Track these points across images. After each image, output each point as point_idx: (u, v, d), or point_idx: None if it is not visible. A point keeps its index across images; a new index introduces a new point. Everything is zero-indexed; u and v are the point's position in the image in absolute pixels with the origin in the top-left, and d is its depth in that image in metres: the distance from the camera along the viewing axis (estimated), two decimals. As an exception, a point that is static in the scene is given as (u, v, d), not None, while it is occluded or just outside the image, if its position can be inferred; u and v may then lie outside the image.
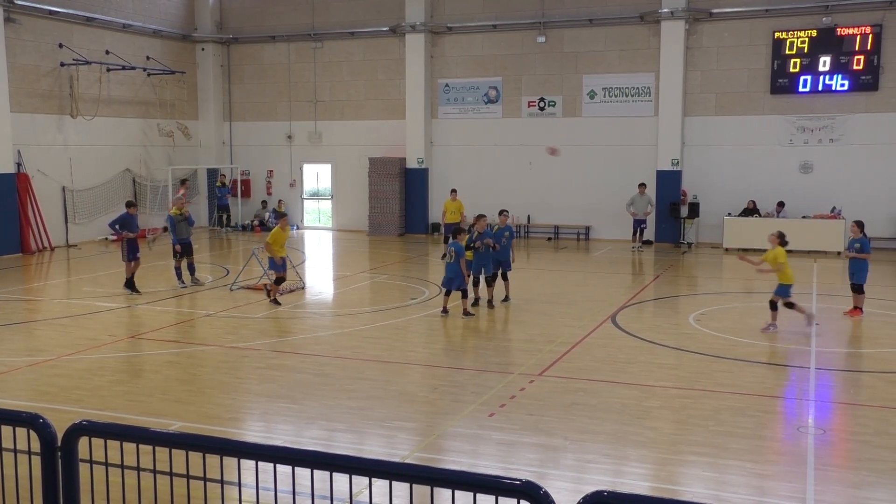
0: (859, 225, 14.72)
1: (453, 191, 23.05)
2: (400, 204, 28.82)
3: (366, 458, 3.30)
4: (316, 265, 22.56)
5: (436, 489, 3.40)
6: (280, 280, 15.79)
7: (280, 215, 16.44)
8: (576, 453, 8.00)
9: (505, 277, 15.73)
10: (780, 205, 24.26)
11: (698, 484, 7.37)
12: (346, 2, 29.53)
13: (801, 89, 24.64)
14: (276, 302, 15.42)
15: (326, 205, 30.95)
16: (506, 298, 15.66)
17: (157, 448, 3.89)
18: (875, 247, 24.10)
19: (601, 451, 8.03)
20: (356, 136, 29.56)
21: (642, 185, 25.10)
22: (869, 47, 23.82)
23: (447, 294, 14.55)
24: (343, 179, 30.22)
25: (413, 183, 28.92)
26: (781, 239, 13.45)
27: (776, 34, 24.70)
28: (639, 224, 24.83)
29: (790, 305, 13.28)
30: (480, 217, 15.59)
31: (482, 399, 9.61)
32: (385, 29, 28.83)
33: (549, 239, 27.52)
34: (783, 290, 13.25)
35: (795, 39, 24.52)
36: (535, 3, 27.15)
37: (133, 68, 27.17)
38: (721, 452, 7.95)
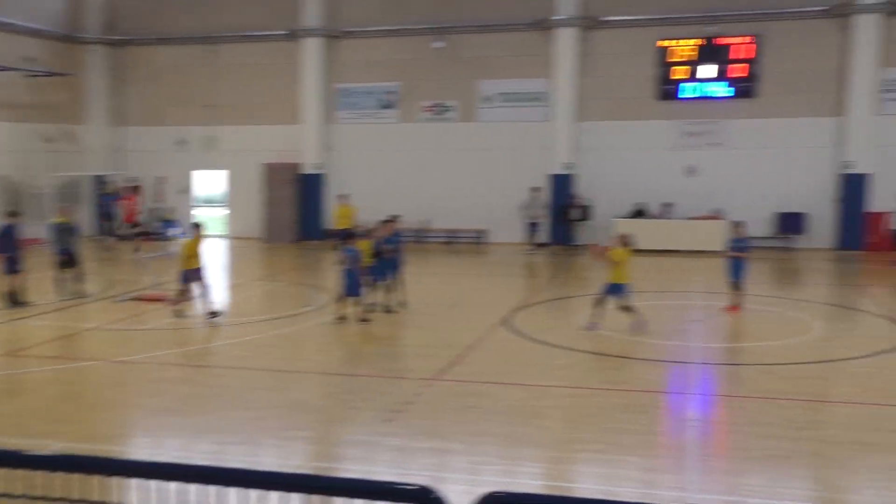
0: (740, 225, 15.40)
1: (344, 196, 22.87)
2: (296, 210, 28.51)
3: (258, 470, 3.27)
4: (208, 274, 22.05)
5: (330, 498, 3.40)
6: (185, 293, 14.89)
7: (197, 225, 15.52)
8: (470, 456, 8.10)
9: (399, 283, 15.83)
10: (668, 206, 25.20)
11: (590, 480, 7.58)
12: (242, 5, 29.04)
13: (686, 95, 25.64)
14: (180, 314, 14.68)
15: (221, 212, 30.34)
16: (401, 303, 15.76)
17: (35, 472, 3.75)
18: (754, 246, 25.27)
19: (495, 453, 8.16)
20: (252, 142, 29.08)
21: (536, 189, 25.60)
22: (747, 56, 25.00)
23: (343, 300, 14.48)
24: (238, 185, 29.66)
25: (310, 188, 28.67)
26: (623, 240, 13.70)
27: (663, 42, 25.62)
28: (533, 227, 25.32)
29: (626, 309, 13.38)
30: (385, 222, 15.71)
31: (378, 405, 9.61)
32: (282, 33, 28.50)
33: (446, 243, 27.72)
34: (612, 289, 13.40)
35: (680, 48, 25.51)
36: (432, 8, 27.34)
37: (12, 69, 25.96)
38: (611, 448, 8.18)
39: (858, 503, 7.04)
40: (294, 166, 28.49)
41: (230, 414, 9.44)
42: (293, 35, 28.35)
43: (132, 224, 25.24)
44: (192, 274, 14.66)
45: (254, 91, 29.25)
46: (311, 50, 28.21)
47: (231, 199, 29.96)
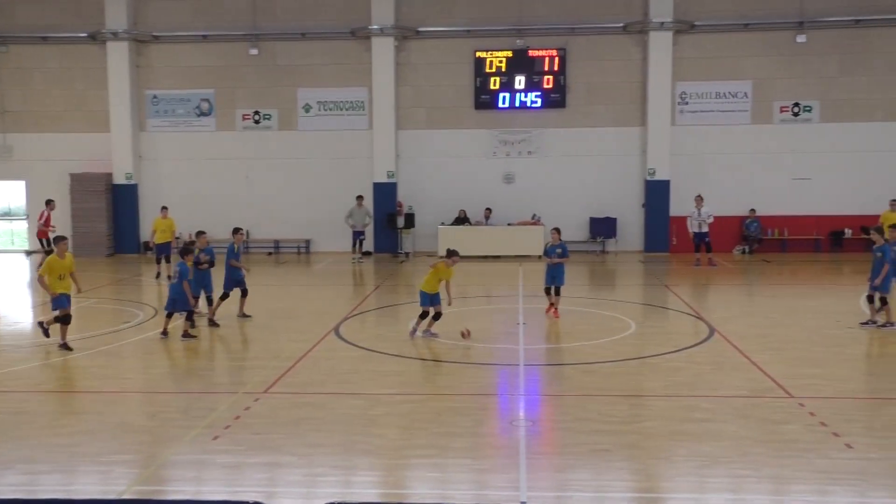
0: (558, 231, 16.05)
1: (164, 208, 21.94)
2: (108, 222, 27.08)
3: (76, 500, 3.07)
4: (11, 293, 20.52)
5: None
6: (67, 318, 12.92)
7: (58, 239, 13.46)
8: (305, 468, 7.97)
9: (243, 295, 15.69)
10: (489, 210, 26.03)
11: (424, 485, 7.64)
12: (36, 3, 27.20)
13: (501, 105, 26.53)
14: (65, 347, 12.91)
15: (20, 225, 28.22)
16: (244, 314, 15.55)
17: None
18: (570, 250, 26.45)
19: (330, 464, 8.07)
20: (54, 150, 27.33)
21: (360, 198, 25.64)
22: (556, 68, 26.21)
23: (168, 316, 13.91)
24: (40, 197, 27.62)
25: (121, 199, 27.34)
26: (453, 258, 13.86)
27: (477, 53, 26.37)
28: (358, 236, 25.33)
29: (424, 315, 13.72)
30: (201, 234, 15.43)
31: (206, 422, 9.28)
32: (83, 35, 26.98)
33: (270, 253, 27.23)
34: (430, 298, 13.67)
35: (494, 59, 26.36)
36: (247, 14, 26.79)
37: None
38: (444, 453, 8.30)
39: (675, 490, 7.51)
40: (105, 176, 27.03)
41: (41, 441, 8.79)
42: (97, 38, 26.91)
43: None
44: (54, 294, 12.91)
45: (54, 97, 27.55)
46: (117, 54, 26.91)
47: (31, 212, 27.92)
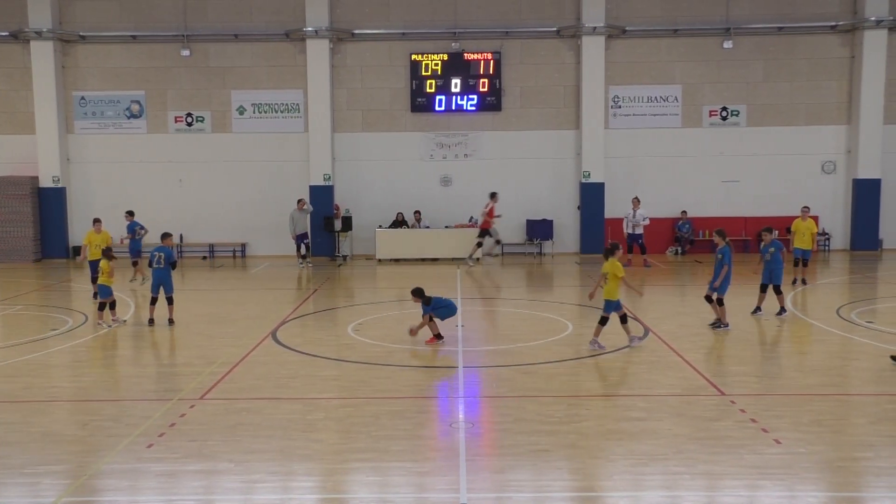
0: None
1: (97, 221, 19.75)
2: (34, 227, 26.30)
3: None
4: None
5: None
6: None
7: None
8: (243, 475, 7.86)
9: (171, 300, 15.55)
10: (418, 213, 26.05)
11: (364, 489, 7.60)
12: (-46, 1, 26.35)
13: (437, 108, 26.61)
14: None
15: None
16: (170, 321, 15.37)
17: None
18: (509, 252, 26.67)
19: (268, 470, 7.98)
20: (-24, 153, 26.45)
21: (300, 201, 25.39)
22: (491, 72, 26.41)
23: None
24: (-38, 201, 26.82)
25: (48, 203, 26.59)
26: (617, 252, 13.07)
27: (413, 56, 26.40)
28: (301, 239, 25.03)
29: (604, 322, 12.99)
30: (168, 235, 15.80)
31: (139, 430, 9.08)
32: (5, 34, 26.16)
33: (205, 258, 26.79)
34: (613, 305, 12.99)
35: (430, 62, 26.43)
36: (177, 15, 26.34)
37: None
38: (383, 456, 8.28)
39: (613, 488, 7.61)
40: (30, 179, 26.25)
41: (-34, 454, 8.49)
42: (19, 37, 26.15)
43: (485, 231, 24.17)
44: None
45: (-26, 97, 26.68)
46: (41, 54, 26.17)
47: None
